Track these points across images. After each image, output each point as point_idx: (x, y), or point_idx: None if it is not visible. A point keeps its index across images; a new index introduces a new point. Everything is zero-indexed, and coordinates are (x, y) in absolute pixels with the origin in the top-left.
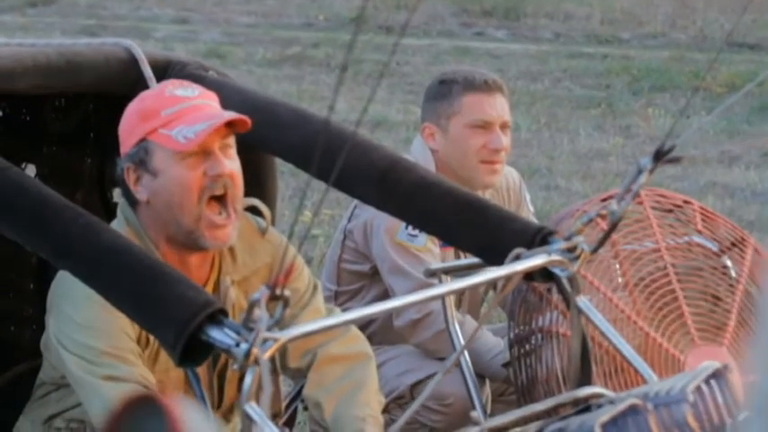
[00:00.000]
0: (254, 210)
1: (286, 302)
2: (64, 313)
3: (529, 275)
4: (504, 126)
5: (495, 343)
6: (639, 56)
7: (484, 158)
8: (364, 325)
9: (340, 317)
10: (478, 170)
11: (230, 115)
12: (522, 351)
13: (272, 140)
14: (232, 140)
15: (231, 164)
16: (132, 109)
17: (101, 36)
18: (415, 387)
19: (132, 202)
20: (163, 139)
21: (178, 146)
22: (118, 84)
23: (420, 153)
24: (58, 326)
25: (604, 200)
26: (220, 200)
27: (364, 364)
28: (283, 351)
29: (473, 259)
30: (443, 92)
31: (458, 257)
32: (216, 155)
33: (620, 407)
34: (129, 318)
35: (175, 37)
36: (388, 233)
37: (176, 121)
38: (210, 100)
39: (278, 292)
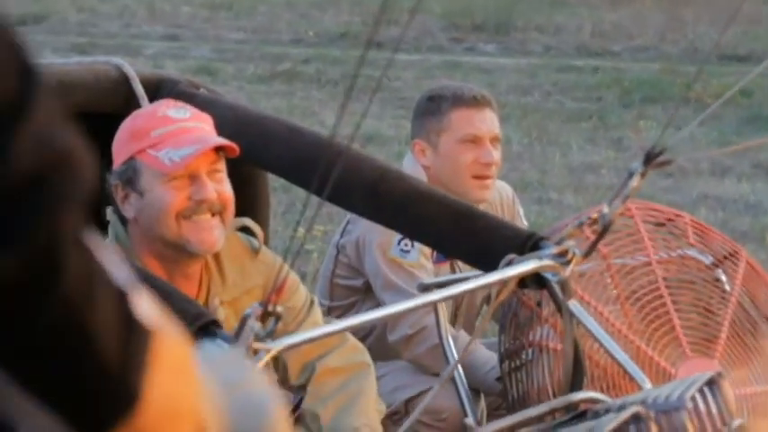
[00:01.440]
0: (246, 230)
1: (278, 317)
2: None
3: (521, 282)
4: (494, 140)
5: (489, 357)
6: (630, 68)
7: (475, 173)
8: (358, 340)
9: (332, 325)
10: (470, 185)
11: (218, 141)
12: (512, 365)
13: (264, 156)
14: (221, 165)
15: (219, 187)
16: (125, 126)
17: (91, 54)
18: (410, 402)
19: (122, 218)
20: (150, 160)
21: (164, 168)
22: (109, 102)
23: (411, 169)
24: None
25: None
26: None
27: (362, 373)
28: (284, 367)
29: (467, 273)
30: (432, 108)
31: (453, 272)
32: (202, 179)
33: (624, 415)
34: None
35: (166, 54)
36: (381, 249)
37: (164, 143)
38: (202, 122)
39: (270, 308)
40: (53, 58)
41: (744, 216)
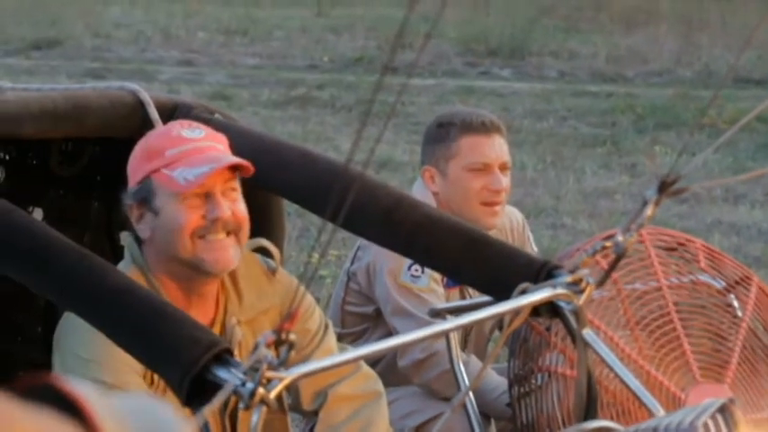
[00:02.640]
0: (263, 250)
1: (291, 345)
2: (69, 349)
3: (534, 310)
4: (503, 167)
5: (499, 382)
6: (644, 94)
7: (484, 200)
8: (368, 365)
9: (345, 354)
10: (479, 212)
11: (231, 160)
12: (521, 391)
13: (279, 181)
14: (236, 183)
15: (234, 206)
16: (139, 146)
17: (106, 78)
18: (421, 428)
19: (138, 239)
20: (164, 180)
21: (178, 187)
22: (124, 127)
23: (421, 195)
24: (64, 362)
25: (606, 238)
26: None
27: (374, 402)
28: (297, 393)
29: (478, 299)
30: (441, 135)
31: (463, 298)
32: (216, 198)
33: None
34: (135, 358)
35: (181, 79)
36: (391, 275)
37: (179, 162)
38: (216, 142)
39: (283, 336)
40: (68, 83)
41: (757, 242)
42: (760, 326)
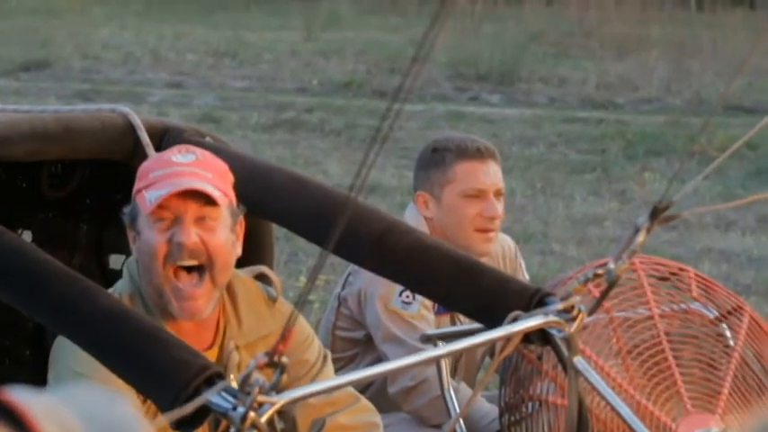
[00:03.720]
0: (263, 278)
1: (283, 369)
2: (64, 364)
3: (526, 338)
4: (497, 193)
5: (489, 409)
6: (634, 120)
7: (478, 226)
8: (358, 391)
9: (336, 380)
10: (473, 238)
11: (191, 185)
12: (512, 419)
13: (269, 206)
14: (216, 213)
15: (207, 235)
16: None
17: (95, 100)
18: None
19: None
20: (141, 200)
21: (146, 208)
22: (114, 150)
23: (414, 221)
24: (58, 377)
25: (598, 267)
26: (198, 270)
27: None
28: (293, 421)
29: (469, 325)
30: (436, 160)
31: (453, 325)
32: (184, 223)
33: None
34: (126, 382)
35: (170, 101)
36: (382, 301)
37: (155, 185)
38: (205, 169)
39: (275, 359)
40: (57, 104)
41: (747, 270)
42: (751, 355)
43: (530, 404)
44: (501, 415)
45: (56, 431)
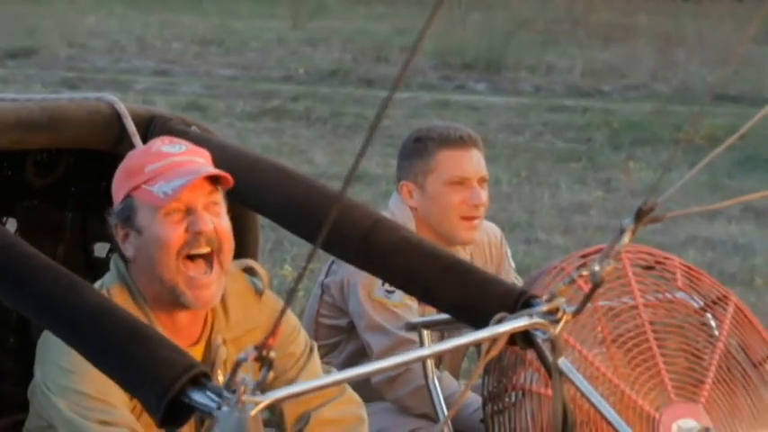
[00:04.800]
0: (250, 271)
1: (270, 365)
2: (52, 359)
3: (510, 339)
4: (481, 181)
5: (473, 399)
6: (620, 109)
7: (463, 214)
8: None
9: (324, 378)
10: (458, 226)
11: (210, 171)
12: (495, 408)
13: (256, 198)
14: (218, 197)
15: (216, 221)
16: (121, 166)
17: (81, 88)
18: None
19: (124, 258)
20: (145, 195)
21: (157, 201)
22: (100, 139)
23: (398, 210)
24: (46, 372)
25: (584, 256)
26: (205, 258)
27: (356, 427)
28: (280, 413)
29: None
30: (419, 149)
31: (439, 312)
32: (198, 212)
33: None
34: (111, 379)
35: (156, 89)
36: (365, 290)
37: (158, 178)
38: (197, 156)
39: (264, 353)
40: (43, 92)
41: (733, 258)
42: (736, 345)
43: (513, 393)
44: (484, 404)
45: None
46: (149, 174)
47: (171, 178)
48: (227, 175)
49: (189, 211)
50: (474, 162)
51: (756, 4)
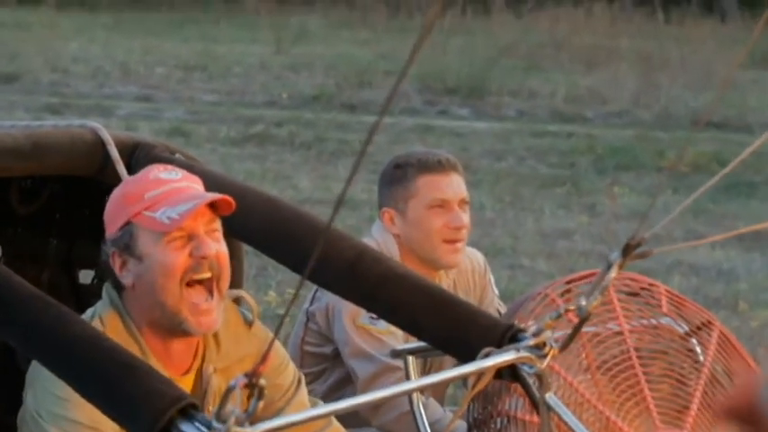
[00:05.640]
0: (238, 300)
1: (261, 393)
2: (43, 387)
3: (497, 373)
4: (462, 203)
5: (458, 425)
6: (604, 135)
7: (445, 237)
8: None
9: (313, 411)
10: (441, 250)
11: (215, 196)
12: None
13: (241, 226)
14: (218, 224)
15: (218, 246)
16: (116, 194)
17: (64, 114)
18: None
19: (118, 286)
20: (146, 222)
21: (162, 227)
22: (85, 166)
23: (381, 237)
24: (37, 399)
25: (569, 282)
26: (205, 284)
27: None
28: None
29: None
30: (399, 176)
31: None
32: (201, 236)
33: None
34: (100, 411)
35: (139, 114)
36: (350, 317)
37: (160, 203)
38: (194, 183)
39: (254, 380)
40: (26, 117)
41: (717, 283)
42: (721, 371)
43: (498, 420)
44: (469, 430)
45: None
46: (150, 200)
47: (174, 204)
48: (231, 200)
49: (191, 237)
50: (454, 185)
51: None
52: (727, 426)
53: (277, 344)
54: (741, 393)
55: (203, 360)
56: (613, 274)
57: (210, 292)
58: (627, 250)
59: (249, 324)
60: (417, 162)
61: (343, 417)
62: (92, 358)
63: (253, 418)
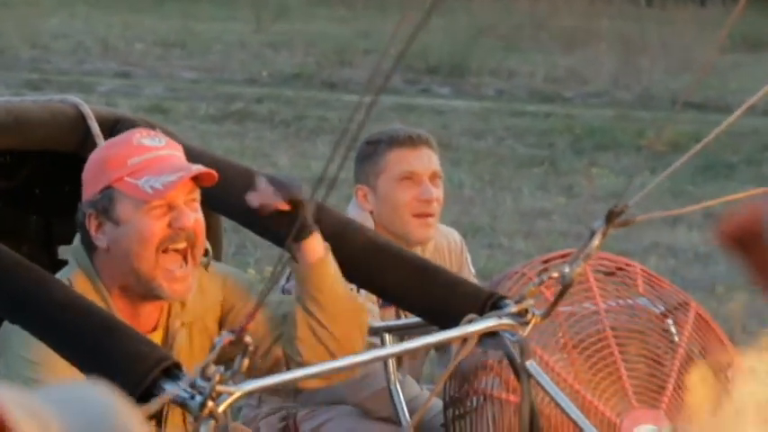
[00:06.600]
0: None
1: (245, 351)
2: (14, 351)
3: (479, 341)
4: (433, 177)
5: (434, 403)
6: (582, 115)
7: (416, 211)
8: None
9: (293, 373)
10: (411, 224)
11: (198, 168)
12: (456, 413)
13: (219, 200)
14: (197, 194)
15: (195, 215)
16: (97, 156)
17: (44, 90)
18: None
19: (90, 247)
20: (128, 188)
21: (144, 195)
22: (65, 141)
23: (357, 215)
24: (8, 364)
25: (545, 261)
26: (180, 251)
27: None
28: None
29: (413, 319)
30: (370, 152)
31: (398, 317)
32: (181, 207)
33: None
34: (83, 373)
35: (119, 91)
36: None
37: (143, 171)
38: (176, 150)
39: (240, 336)
40: (6, 94)
41: (694, 265)
42: (697, 351)
43: (474, 398)
44: (445, 408)
45: (31, 426)
46: (133, 167)
47: (158, 173)
48: (214, 173)
49: (171, 207)
50: (424, 159)
51: (720, 8)
52: (727, 250)
53: (240, 271)
54: (746, 219)
55: (170, 315)
56: (597, 241)
57: (185, 259)
58: (610, 217)
59: (206, 266)
60: (388, 138)
61: (320, 394)
62: (73, 321)
63: (237, 377)
